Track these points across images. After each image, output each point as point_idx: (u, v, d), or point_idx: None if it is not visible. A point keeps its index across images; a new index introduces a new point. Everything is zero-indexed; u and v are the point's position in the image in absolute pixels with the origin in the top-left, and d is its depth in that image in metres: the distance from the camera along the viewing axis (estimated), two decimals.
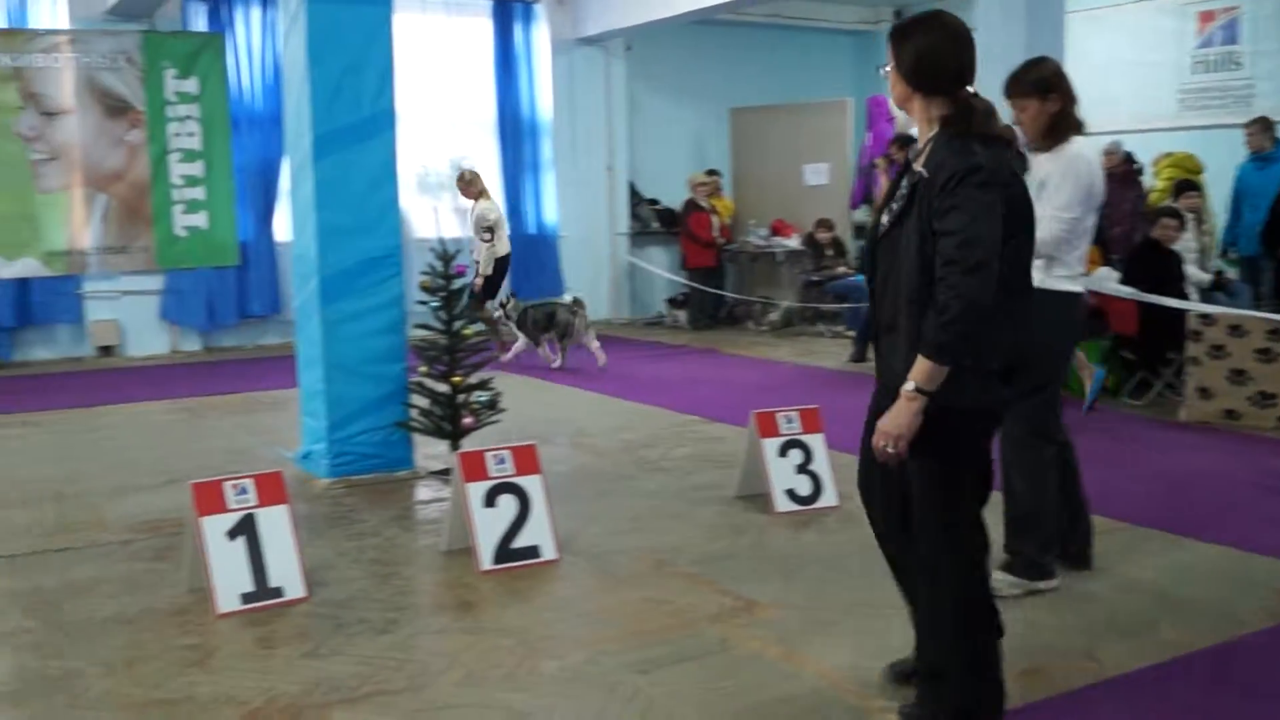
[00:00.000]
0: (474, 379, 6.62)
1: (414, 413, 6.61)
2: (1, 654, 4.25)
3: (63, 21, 11.81)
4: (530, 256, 13.87)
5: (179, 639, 4.33)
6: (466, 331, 6.53)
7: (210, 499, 4.56)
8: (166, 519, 5.86)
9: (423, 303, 6.57)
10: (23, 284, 11.60)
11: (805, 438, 5.87)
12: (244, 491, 4.62)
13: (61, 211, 11.58)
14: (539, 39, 14.05)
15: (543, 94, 14.09)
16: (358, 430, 6.49)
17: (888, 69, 3.40)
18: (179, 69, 11.95)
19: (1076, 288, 4.66)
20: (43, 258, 11.47)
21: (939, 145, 3.26)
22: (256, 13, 12.45)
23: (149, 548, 5.46)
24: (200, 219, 12.15)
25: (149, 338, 12.22)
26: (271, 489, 4.67)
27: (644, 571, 5.02)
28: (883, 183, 11.73)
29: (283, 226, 12.66)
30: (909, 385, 3.17)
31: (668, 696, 3.74)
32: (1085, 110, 4.71)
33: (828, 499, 5.83)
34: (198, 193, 12.13)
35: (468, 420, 6.56)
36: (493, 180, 13.64)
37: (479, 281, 10.87)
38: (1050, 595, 4.58)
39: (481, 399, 6.62)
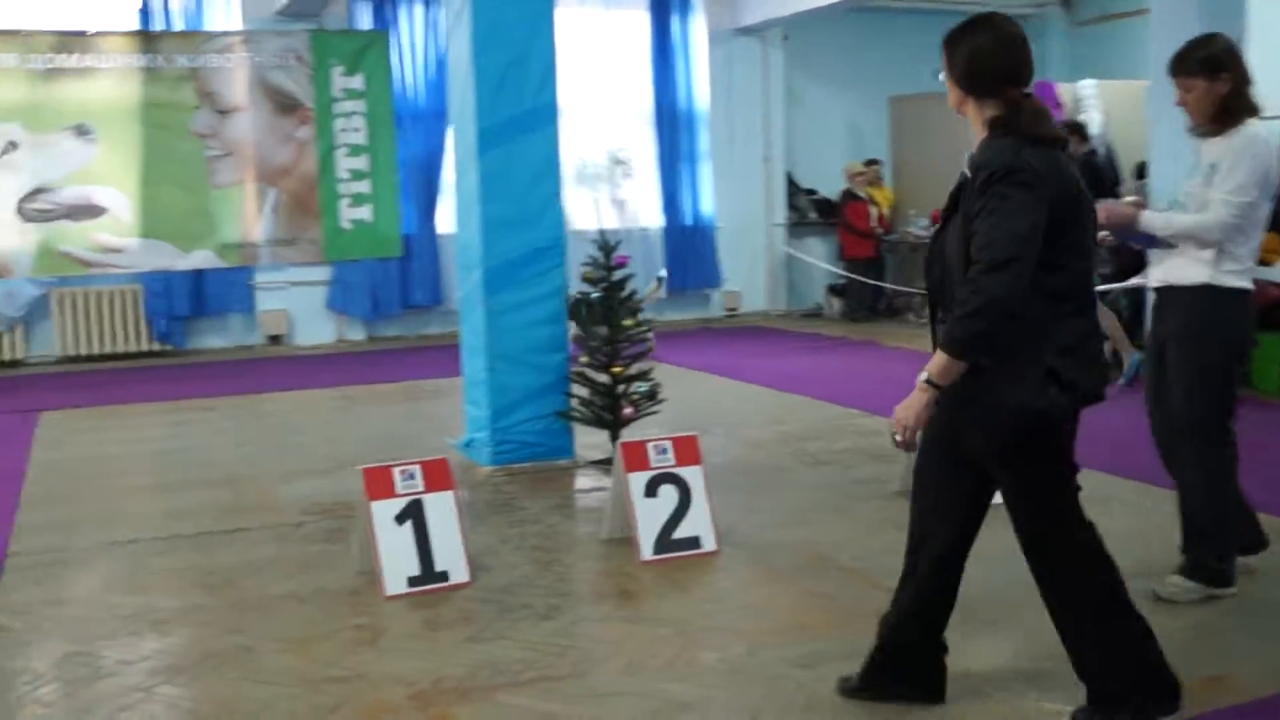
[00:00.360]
0: (634, 370, 6.65)
1: (574, 402, 6.67)
2: (181, 629, 4.42)
3: (235, 23, 12.25)
4: (686, 248, 13.89)
5: (349, 619, 4.45)
6: (627, 323, 6.56)
7: (380, 484, 4.67)
8: (336, 503, 6.02)
9: (583, 294, 6.63)
10: (198, 275, 12.07)
11: None
12: (411, 477, 4.72)
13: (234, 206, 11.97)
14: (696, 30, 14.03)
15: (699, 85, 14.06)
16: (519, 419, 6.58)
17: (943, 75, 3.44)
18: (345, 66, 12.25)
19: (1246, 283, 4.39)
20: (217, 250, 11.87)
21: (984, 146, 3.30)
22: (419, 10, 12.72)
23: (320, 530, 5.62)
24: (365, 212, 12.44)
25: (316, 327, 12.59)
26: (438, 475, 4.76)
27: (805, 565, 4.97)
28: None
29: (445, 219, 12.93)
30: (922, 375, 3.23)
31: (832, 692, 3.70)
32: (1267, 91, 4.46)
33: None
34: (363, 187, 12.41)
35: (628, 411, 6.59)
36: (649, 171, 13.72)
37: None
38: (1228, 601, 4.40)
39: (641, 389, 6.64)
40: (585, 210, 13.28)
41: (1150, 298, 5.08)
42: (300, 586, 4.83)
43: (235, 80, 11.87)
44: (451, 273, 12.97)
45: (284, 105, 12.11)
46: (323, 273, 12.52)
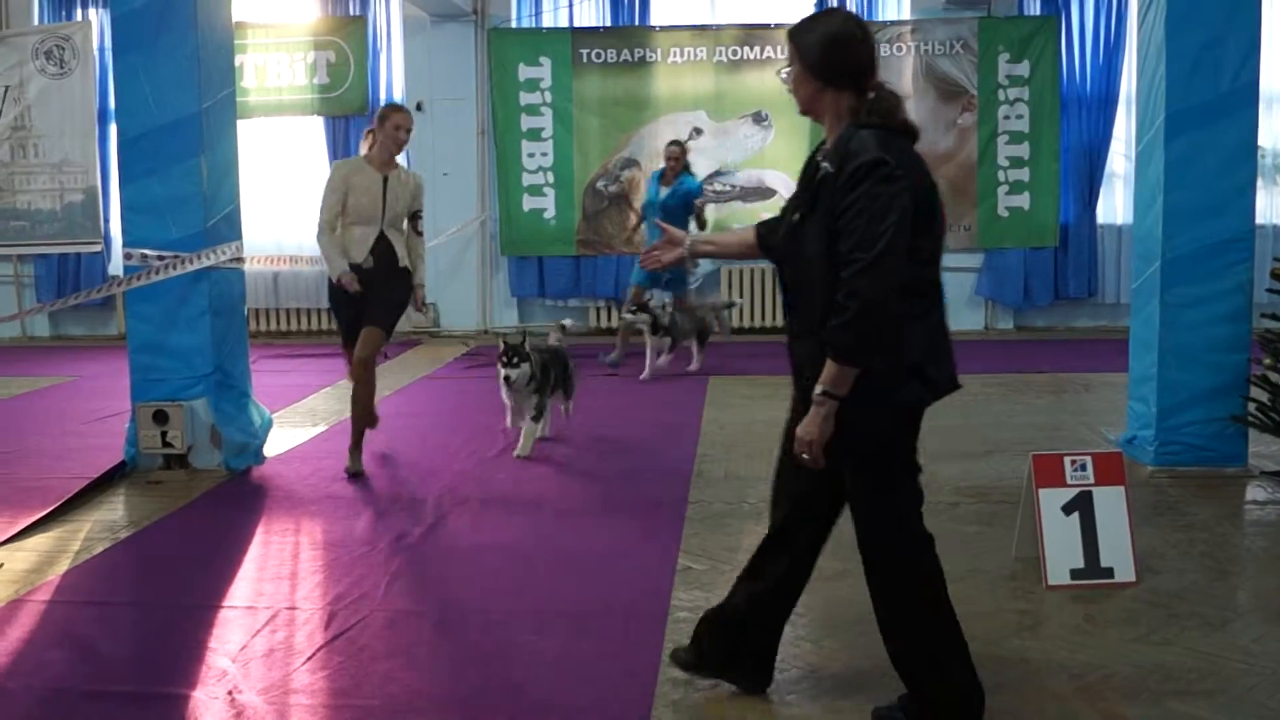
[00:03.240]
0: None
1: (1252, 407, 6.20)
2: (844, 589, 4.61)
3: (905, 12, 12.52)
4: None
5: (1009, 602, 4.46)
6: None
7: (1050, 472, 4.63)
8: (992, 487, 6.05)
9: (1274, 290, 6.13)
10: None
11: None
12: (1082, 468, 4.64)
13: None
14: None
15: None
16: (1188, 420, 6.23)
17: (788, 71, 3.32)
18: (1012, 53, 12.19)
19: None
20: None
21: (843, 139, 3.16)
22: None
23: (975, 512, 5.67)
24: (1022, 200, 12.34)
25: (965, 313, 12.64)
26: (1110, 469, 4.65)
27: None
28: None
29: (1105, 209, 12.48)
30: (818, 390, 3.14)
31: None
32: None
33: None
34: (1022, 174, 12.32)
35: None
36: None
37: None
38: None
39: None
40: (1264, 203, 12.23)
41: None
42: (958, 565, 4.87)
43: (903, 68, 12.21)
44: (1108, 265, 12.53)
45: (948, 92, 12.30)
46: (975, 259, 12.55)
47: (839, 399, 3.14)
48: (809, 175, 3.29)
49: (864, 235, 3.03)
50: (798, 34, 3.30)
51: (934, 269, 3.26)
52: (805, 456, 3.23)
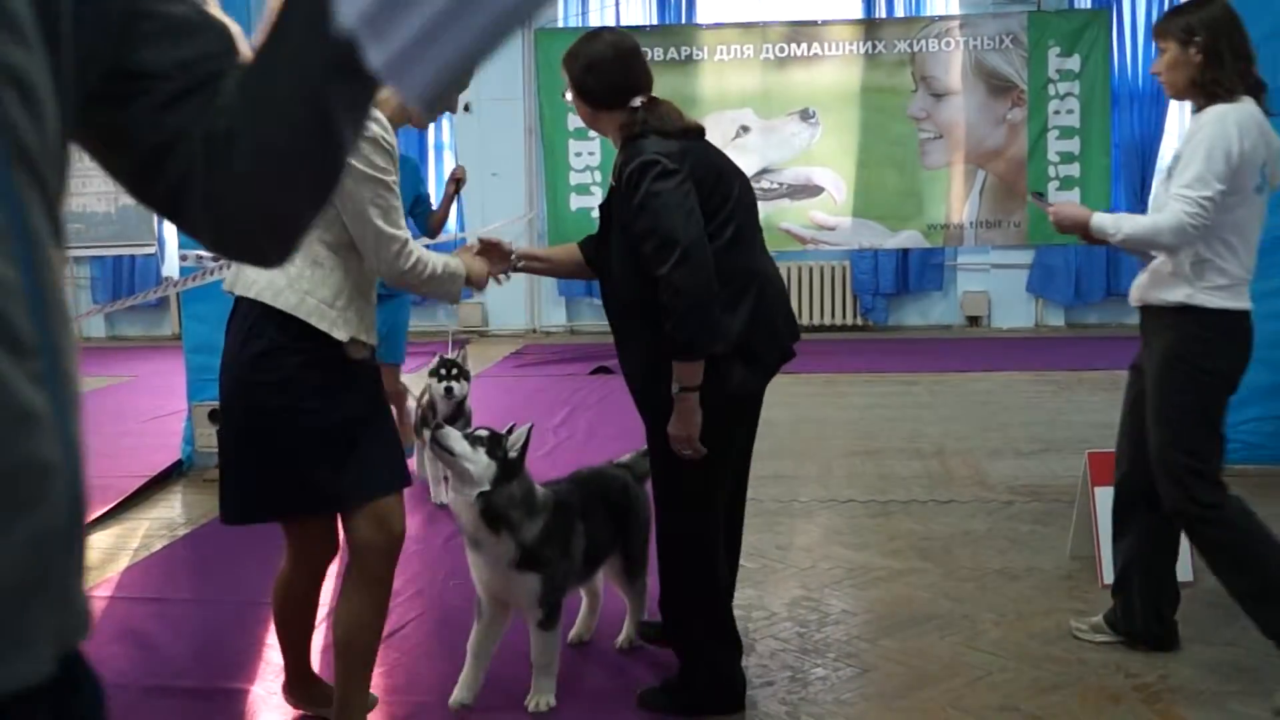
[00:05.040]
0: None
1: None
2: (899, 588, 4.64)
3: (954, 7, 12.45)
4: None
5: (1065, 601, 4.43)
6: None
7: (1105, 470, 4.57)
8: (1044, 485, 6.01)
9: None
10: (903, 254, 12.51)
11: None
12: None
13: (942, 187, 12.24)
14: None
15: None
16: (1247, 417, 6.13)
17: (569, 94, 3.47)
18: (1062, 47, 12.06)
19: (1236, 303, 3.67)
20: (923, 230, 12.21)
21: (621, 153, 3.33)
22: None
23: (1029, 511, 5.63)
24: (1073, 196, 12.15)
25: (1015, 310, 12.57)
26: None
27: None
28: None
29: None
30: (675, 388, 3.24)
31: None
32: None
33: None
34: (1072, 170, 12.19)
35: None
36: None
37: None
38: None
39: None
40: None
41: None
42: (1013, 563, 4.89)
43: (952, 63, 12.12)
44: None
45: (998, 87, 12.19)
46: (1025, 256, 12.46)
47: (697, 389, 3.25)
48: (606, 197, 3.52)
49: (662, 233, 3.18)
50: (568, 60, 3.49)
51: (739, 253, 3.36)
52: (688, 452, 3.33)
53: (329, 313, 3.07)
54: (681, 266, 3.15)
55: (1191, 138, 3.56)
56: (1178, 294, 3.63)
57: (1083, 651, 3.97)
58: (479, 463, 3.41)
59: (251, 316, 3.13)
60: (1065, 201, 3.77)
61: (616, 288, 3.44)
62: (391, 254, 3.08)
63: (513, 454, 3.48)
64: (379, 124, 3.07)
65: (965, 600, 4.47)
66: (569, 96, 3.50)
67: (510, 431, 3.52)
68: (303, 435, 3.12)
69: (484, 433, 3.50)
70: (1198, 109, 3.65)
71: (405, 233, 3.13)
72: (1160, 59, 3.66)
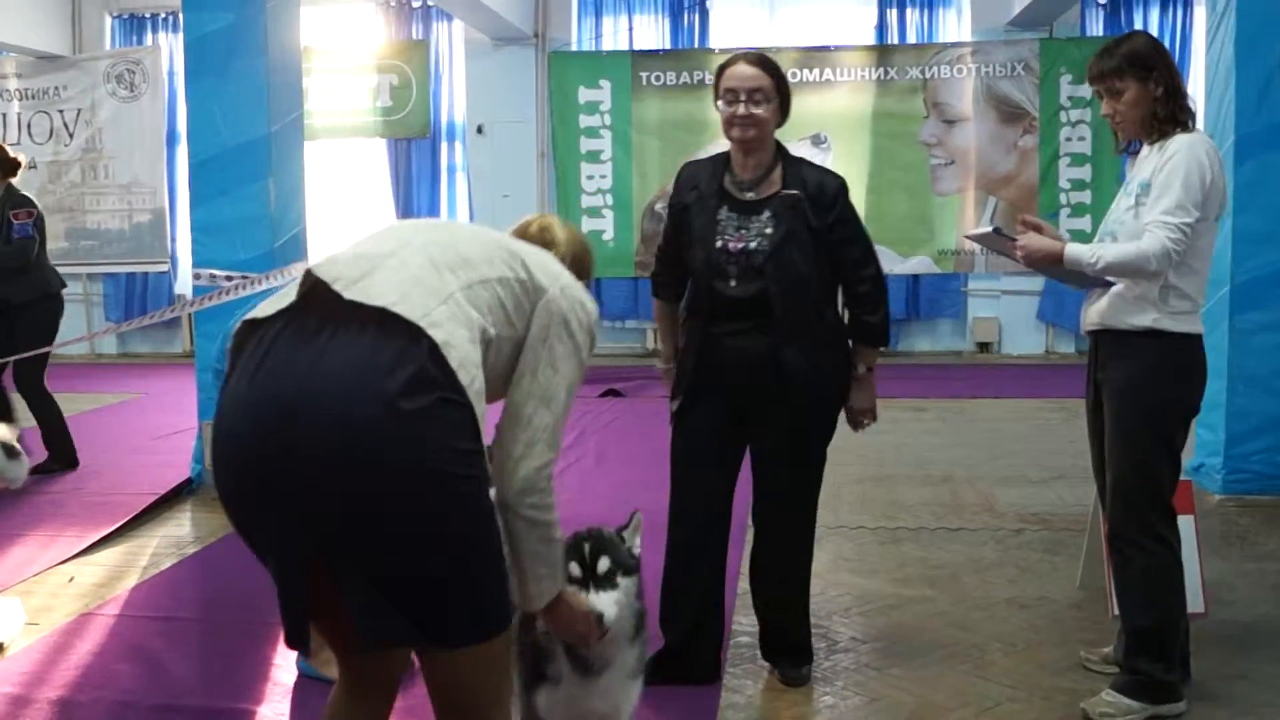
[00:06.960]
0: None
1: None
2: (908, 616, 4.62)
3: (966, 34, 12.48)
4: None
5: (1075, 632, 4.40)
6: None
7: None
8: (1054, 514, 5.99)
9: None
10: (914, 280, 12.50)
11: None
12: None
13: (953, 213, 12.24)
14: None
15: None
16: (1258, 447, 6.14)
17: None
18: (1074, 74, 12.05)
19: (1197, 328, 3.67)
20: (934, 256, 12.21)
21: (785, 166, 4.17)
22: (1155, 15, 12.29)
23: (1039, 539, 5.60)
24: (1084, 223, 12.05)
25: (1025, 337, 12.54)
26: (1178, 497, 4.53)
27: None
28: None
29: None
30: (860, 369, 3.93)
31: None
32: None
33: None
34: (1084, 197, 12.18)
35: None
36: None
37: None
38: None
39: None
40: None
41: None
42: (1023, 592, 4.87)
43: (963, 90, 12.13)
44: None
45: (1009, 114, 12.20)
46: (1035, 283, 12.42)
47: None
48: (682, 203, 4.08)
49: (864, 240, 3.98)
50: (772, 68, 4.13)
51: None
52: (868, 422, 4.00)
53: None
54: (878, 267, 3.90)
55: (1163, 166, 3.54)
56: (1144, 319, 3.58)
57: (1093, 682, 3.93)
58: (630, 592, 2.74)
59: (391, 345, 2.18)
60: (1030, 234, 3.67)
61: (809, 288, 3.80)
62: (537, 452, 2.40)
63: (636, 551, 2.81)
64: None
65: (974, 629, 4.44)
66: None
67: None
68: (484, 523, 2.25)
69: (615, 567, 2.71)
70: (1152, 142, 3.64)
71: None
72: (1113, 101, 3.62)
